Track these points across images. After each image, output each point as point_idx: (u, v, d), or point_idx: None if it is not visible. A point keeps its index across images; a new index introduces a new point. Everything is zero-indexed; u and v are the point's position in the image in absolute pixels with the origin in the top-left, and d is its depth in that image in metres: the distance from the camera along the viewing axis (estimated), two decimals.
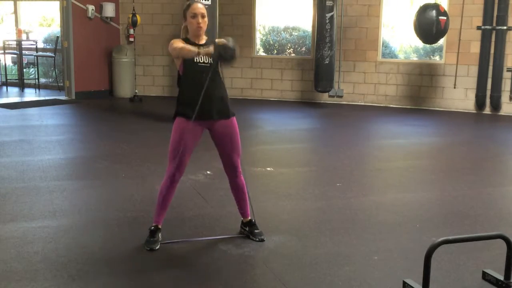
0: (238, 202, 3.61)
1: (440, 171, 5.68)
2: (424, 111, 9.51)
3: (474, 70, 9.34)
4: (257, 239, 3.52)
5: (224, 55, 3.07)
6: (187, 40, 3.37)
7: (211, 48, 3.12)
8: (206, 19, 3.38)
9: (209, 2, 7.29)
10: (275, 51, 11.21)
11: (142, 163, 5.43)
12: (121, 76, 10.49)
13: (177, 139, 3.33)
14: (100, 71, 10.50)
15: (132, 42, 10.46)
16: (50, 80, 11.98)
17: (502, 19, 8.95)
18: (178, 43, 3.29)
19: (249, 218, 3.62)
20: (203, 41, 3.41)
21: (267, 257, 3.31)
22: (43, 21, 13.55)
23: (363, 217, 4.11)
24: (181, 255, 3.32)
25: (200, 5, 3.36)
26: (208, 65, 3.32)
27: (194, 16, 3.33)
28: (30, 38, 11.29)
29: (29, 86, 11.50)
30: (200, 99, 3.22)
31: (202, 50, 3.19)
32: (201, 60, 3.33)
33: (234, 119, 3.45)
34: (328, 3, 9.09)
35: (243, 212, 3.62)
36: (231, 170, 3.49)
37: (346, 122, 8.53)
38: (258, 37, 10.93)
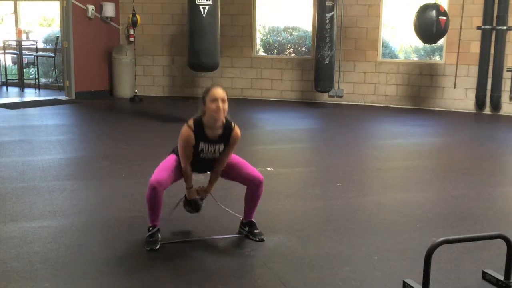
0: (248, 208, 3.59)
1: (440, 171, 5.69)
2: (424, 111, 9.51)
3: (474, 70, 9.34)
4: (257, 239, 3.52)
5: (189, 208, 3.58)
6: (199, 127, 3.31)
7: (193, 196, 3.49)
8: (226, 104, 3.28)
9: (210, 2, 7.29)
10: (275, 51, 11.21)
11: (142, 163, 5.43)
12: (121, 76, 10.49)
13: (171, 166, 3.40)
14: (100, 71, 10.50)
15: (132, 42, 10.46)
16: (50, 80, 11.99)
17: (502, 19, 8.95)
18: (184, 155, 3.35)
19: (250, 219, 3.61)
20: (218, 131, 3.34)
21: (267, 257, 3.31)
22: (43, 21, 13.56)
23: (363, 217, 4.11)
24: (181, 255, 3.32)
25: (220, 90, 3.29)
26: (212, 159, 3.44)
27: (214, 100, 3.24)
28: (30, 38, 11.29)
29: (29, 86, 11.50)
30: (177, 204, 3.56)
31: (190, 191, 3.46)
32: (206, 157, 3.40)
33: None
34: (328, 3, 9.09)
35: (247, 214, 3.61)
36: (254, 182, 3.47)
37: (346, 122, 8.53)
38: (258, 37, 10.93)
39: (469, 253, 3.35)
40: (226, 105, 3.29)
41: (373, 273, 3.13)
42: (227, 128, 3.37)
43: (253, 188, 3.50)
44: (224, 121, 3.34)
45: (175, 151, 3.49)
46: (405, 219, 4.07)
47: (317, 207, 4.32)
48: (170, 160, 3.45)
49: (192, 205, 3.54)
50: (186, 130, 3.32)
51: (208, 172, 3.59)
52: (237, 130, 3.41)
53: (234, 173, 3.51)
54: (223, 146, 3.40)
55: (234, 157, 3.54)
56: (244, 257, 3.32)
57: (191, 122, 3.34)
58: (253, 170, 3.50)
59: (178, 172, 3.43)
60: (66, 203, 4.24)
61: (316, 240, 3.59)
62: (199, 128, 3.32)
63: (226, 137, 3.38)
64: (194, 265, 3.19)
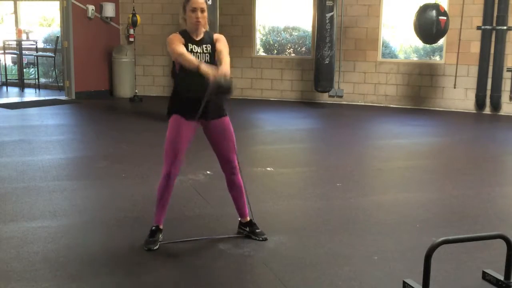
0: (235, 202, 3.60)
1: (440, 171, 5.69)
2: (424, 111, 9.51)
3: (474, 70, 9.34)
4: (260, 239, 3.52)
5: (221, 91, 3.08)
6: (184, 33, 3.37)
7: (211, 71, 3.08)
8: (206, 13, 3.36)
9: (209, 2, 7.30)
10: (275, 51, 11.21)
11: (142, 163, 5.43)
12: (121, 76, 10.49)
13: (173, 137, 3.35)
14: (100, 71, 10.50)
15: (132, 42, 10.46)
16: (50, 80, 11.98)
17: (502, 19, 8.95)
18: (177, 46, 3.27)
19: (248, 218, 3.61)
20: (201, 35, 3.40)
21: (267, 257, 3.31)
22: (43, 21, 13.55)
23: (363, 217, 4.11)
24: (181, 255, 3.32)
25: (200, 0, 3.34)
26: (203, 60, 3.34)
27: (194, 10, 3.31)
28: (30, 38, 11.29)
29: (29, 86, 11.50)
30: (203, 104, 3.22)
31: (203, 66, 3.11)
32: (198, 58, 3.33)
33: (227, 118, 3.46)
34: (328, 3, 9.09)
35: (241, 213, 3.61)
36: (227, 166, 3.48)
37: (346, 122, 8.53)
38: (258, 37, 10.93)
39: (469, 253, 3.35)
40: (205, 14, 3.35)
41: (373, 273, 3.13)
42: (208, 33, 3.43)
43: (228, 174, 3.50)
44: (205, 30, 3.41)
45: (169, 112, 3.42)
46: (405, 219, 4.07)
47: (317, 207, 4.32)
48: (170, 131, 3.37)
49: (219, 88, 3.03)
50: (172, 34, 3.38)
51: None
52: (217, 33, 3.50)
53: (214, 138, 3.43)
54: (210, 47, 3.39)
55: (231, 131, 3.45)
56: (244, 257, 3.33)
57: (176, 32, 3.41)
58: (231, 152, 3.46)
59: (184, 134, 3.33)
60: (66, 203, 4.24)
61: (316, 240, 3.59)
62: (184, 33, 3.38)
63: (209, 38, 3.41)
64: (194, 265, 3.19)
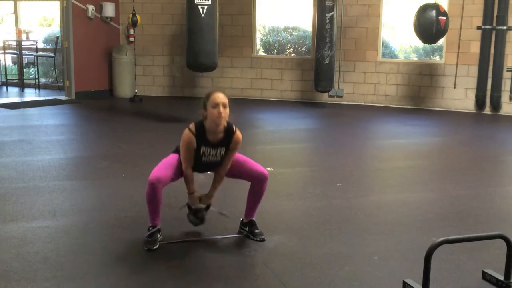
0: (250, 204, 3.59)
1: (440, 171, 5.68)
2: (424, 111, 9.51)
3: (474, 70, 9.34)
4: (258, 239, 3.52)
5: (191, 223, 3.53)
6: (201, 131, 3.31)
7: (195, 202, 3.46)
8: (227, 109, 3.28)
9: (209, 2, 7.29)
10: (275, 51, 11.21)
11: (142, 163, 5.42)
12: (121, 76, 10.49)
13: (170, 165, 3.40)
14: (100, 71, 10.50)
15: (132, 42, 10.46)
16: (50, 80, 11.98)
17: (502, 19, 8.95)
18: (185, 162, 3.35)
19: (250, 218, 3.61)
20: (219, 135, 3.34)
21: (267, 257, 3.31)
22: (43, 21, 13.56)
23: (363, 217, 4.11)
24: (180, 255, 3.32)
25: (221, 95, 3.28)
26: (214, 164, 3.44)
27: (215, 106, 3.23)
28: (30, 38, 11.29)
29: (29, 86, 11.50)
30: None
31: (192, 199, 3.45)
32: (208, 160, 3.40)
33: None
34: (328, 3, 9.09)
35: (249, 213, 3.61)
36: (260, 178, 3.47)
37: (346, 122, 8.53)
38: (258, 37, 10.93)
39: (469, 253, 3.35)
40: (227, 110, 3.28)
41: (373, 273, 3.13)
42: (229, 131, 3.38)
43: (258, 184, 3.49)
44: (226, 124, 3.35)
45: (176, 151, 3.49)
46: (405, 219, 4.07)
47: (317, 207, 4.32)
48: (170, 159, 3.45)
49: (196, 214, 3.47)
50: (187, 134, 3.32)
51: (209, 172, 3.59)
52: (238, 133, 3.41)
53: (238, 171, 3.50)
54: (224, 150, 3.40)
55: (239, 157, 3.53)
56: (244, 257, 3.32)
57: (192, 126, 3.34)
58: (258, 166, 3.50)
59: (179, 171, 3.43)
60: (66, 203, 4.24)
61: (316, 240, 3.59)
62: (200, 133, 3.32)
63: (227, 140, 3.38)
64: (194, 265, 3.19)
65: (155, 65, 10.86)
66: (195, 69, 7.80)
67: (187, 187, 3.45)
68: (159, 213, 3.42)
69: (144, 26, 10.49)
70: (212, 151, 3.38)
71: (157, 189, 3.28)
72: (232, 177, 3.58)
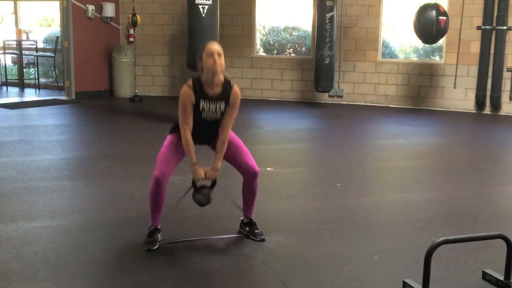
0: (245, 203, 3.59)
1: (440, 171, 5.69)
2: (424, 111, 9.51)
3: (474, 70, 9.34)
4: (258, 239, 3.52)
5: (197, 203, 3.40)
6: (199, 86, 3.29)
7: (199, 177, 3.32)
8: (222, 59, 3.27)
9: (209, 2, 7.29)
10: (275, 51, 11.21)
11: (142, 163, 5.43)
12: (121, 76, 10.49)
13: (169, 149, 3.38)
14: (100, 71, 10.50)
15: (132, 42, 10.46)
16: (50, 80, 11.98)
17: (502, 19, 8.95)
18: (184, 122, 3.28)
19: (250, 218, 3.61)
20: (218, 88, 3.32)
21: (267, 257, 3.31)
22: (43, 21, 13.56)
23: (363, 217, 4.11)
24: (181, 255, 3.32)
25: (216, 45, 3.28)
26: (215, 121, 3.36)
27: (210, 55, 3.24)
28: (30, 38, 11.29)
29: (29, 86, 11.50)
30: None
31: (194, 170, 3.30)
32: (208, 117, 3.34)
33: (231, 132, 3.47)
34: (328, 3, 9.09)
35: (246, 212, 3.61)
36: (250, 173, 3.46)
37: (346, 122, 8.53)
38: (258, 37, 10.93)
39: (469, 253, 3.35)
40: (222, 60, 3.28)
41: (373, 273, 3.13)
42: (226, 86, 3.35)
43: (248, 179, 3.48)
44: (223, 79, 3.34)
45: (173, 129, 3.45)
46: (405, 219, 4.07)
47: (317, 207, 4.32)
48: (167, 144, 3.40)
49: (202, 192, 3.34)
50: (185, 89, 3.31)
51: (211, 149, 3.53)
52: (236, 88, 3.39)
53: (232, 155, 3.44)
54: (223, 105, 3.34)
55: (236, 139, 3.48)
56: (244, 257, 3.32)
57: (189, 81, 3.34)
58: (251, 160, 3.48)
59: (179, 151, 3.37)
60: (66, 203, 4.24)
61: (316, 240, 3.59)
62: (198, 86, 3.31)
63: (225, 95, 3.34)
64: (194, 265, 3.19)
65: (155, 65, 10.86)
66: (196, 69, 7.78)
67: (188, 156, 3.32)
68: (161, 211, 3.42)
69: (144, 26, 10.49)
70: (212, 105, 3.32)
71: (162, 184, 3.29)
72: (225, 159, 3.49)
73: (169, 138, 3.44)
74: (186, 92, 3.29)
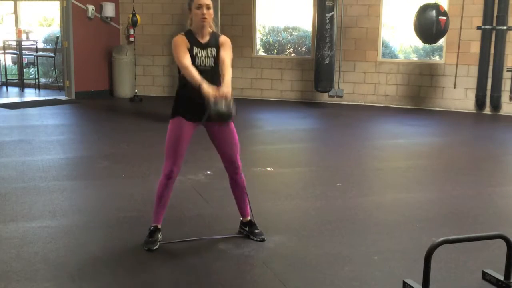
0: (237, 201, 3.61)
1: (440, 171, 5.68)
2: (424, 111, 9.51)
3: (474, 70, 9.34)
4: (257, 239, 3.52)
5: (221, 117, 3.10)
6: (190, 35, 3.33)
7: (212, 92, 3.06)
8: (211, 11, 3.32)
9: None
10: (275, 51, 11.21)
11: (142, 163, 5.43)
12: (121, 76, 10.49)
13: (175, 137, 3.35)
14: (100, 71, 10.50)
15: (132, 42, 10.46)
16: (50, 80, 11.98)
17: (502, 19, 8.95)
18: (182, 56, 3.24)
19: (249, 218, 3.62)
20: (207, 37, 3.36)
21: (267, 257, 3.31)
22: (43, 21, 13.56)
23: (363, 217, 4.11)
24: (181, 255, 3.32)
25: None
26: (209, 68, 3.33)
27: (199, 7, 3.27)
28: (30, 38, 11.29)
29: (29, 86, 11.49)
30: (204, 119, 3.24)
31: (205, 86, 3.08)
32: (202, 63, 3.32)
33: (231, 123, 3.42)
34: (328, 3, 9.09)
35: (242, 212, 3.62)
36: (231, 166, 3.49)
37: (346, 122, 8.53)
38: (258, 37, 10.93)
39: (469, 253, 3.35)
40: (211, 11, 3.31)
41: (373, 273, 3.13)
42: (215, 35, 3.41)
43: (230, 173, 3.51)
44: (211, 30, 3.38)
45: (173, 113, 3.40)
46: (405, 219, 4.07)
47: (317, 207, 4.32)
48: (171, 133, 3.37)
49: (222, 103, 3.02)
50: (177, 36, 3.34)
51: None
52: (224, 36, 3.46)
53: (220, 141, 3.44)
54: (215, 51, 3.36)
55: (233, 131, 3.45)
56: (244, 257, 3.33)
57: (181, 32, 3.37)
58: (235, 154, 3.47)
59: (184, 136, 3.35)
60: (66, 203, 4.24)
61: (316, 240, 3.59)
62: (189, 35, 3.34)
63: (215, 42, 3.38)
64: (194, 265, 3.19)
65: (155, 65, 10.85)
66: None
67: (193, 79, 3.15)
68: (165, 209, 3.43)
69: (144, 26, 10.49)
70: (203, 51, 3.33)
71: (172, 178, 3.34)
72: (212, 142, 3.47)
73: (171, 125, 3.41)
74: (180, 38, 3.33)
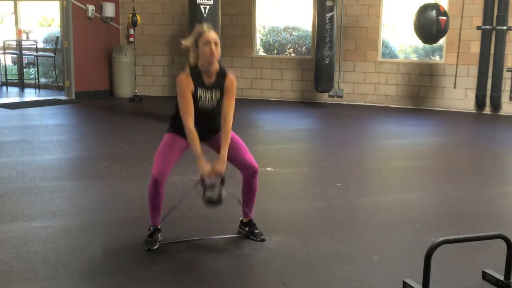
0: (246, 202, 3.58)
1: (440, 171, 5.68)
2: (424, 111, 9.51)
3: (474, 70, 9.34)
4: (258, 239, 3.52)
5: (210, 204, 3.25)
6: (195, 73, 3.28)
7: (206, 170, 3.19)
8: (219, 47, 3.27)
9: (211, 2, 7.29)
10: (275, 51, 11.21)
11: (142, 163, 5.43)
12: (121, 76, 10.49)
13: (168, 145, 3.36)
14: (100, 71, 10.50)
15: (132, 42, 10.46)
16: (50, 80, 11.98)
17: (502, 19, 8.95)
18: (186, 112, 3.23)
19: (249, 218, 3.61)
20: (213, 76, 3.31)
21: (267, 257, 3.31)
22: (43, 21, 13.56)
23: (363, 217, 4.11)
24: (181, 255, 3.32)
25: (213, 33, 3.27)
26: (211, 110, 3.35)
27: (207, 43, 3.22)
28: (30, 38, 11.29)
29: (29, 86, 11.50)
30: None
31: (200, 163, 3.19)
32: (205, 106, 3.33)
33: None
34: (328, 3, 9.09)
35: (246, 212, 3.60)
36: (249, 171, 3.44)
37: (346, 122, 8.53)
38: (258, 37, 10.93)
39: (469, 253, 3.35)
40: (219, 48, 3.26)
41: (373, 273, 3.13)
42: (221, 74, 3.35)
43: (248, 177, 3.47)
44: (218, 67, 3.33)
45: (169, 129, 3.43)
46: (405, 219, 4.07)
47: (317, 207, 4.32)
48: (165, 143, 3.38)
49: (213, 189, 3.18)
50: (183, 75, 3.28)
51: (211, 149, 3.51)
52: (231, 75, 3.38)
53: (231, 153, 3.40)
54: (219, 93, 3.33)
55: (235, 137, 3.46)
56: (244, 257, 3.33)
57: (187, 68, 3.32)
58: (250, 158, 3.47)
59: (177, 150, 3.36)
60: (66, 203, 4.24)
61: (316, 240, 3.59)
62: (195, 74, 3.30)
63: (220, 83, 3.33)
64: (194, 265, 3.19)
65: (155, 65, 10.86)
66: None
67: (192, 148, 3.24)
68: (160, 211, 3.42)
69: (144, 26, 10.49)
70: (207, 93, 3.31)
71: (160, 184, 3.27)
72: (228, 159, 3.45)
73: (166, 137, 3.43)
74: (185, 79, 3.27)
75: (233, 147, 3.41)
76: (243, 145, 3.48)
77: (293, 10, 10.92)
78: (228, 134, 3.34)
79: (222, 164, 3.26)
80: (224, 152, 3.30)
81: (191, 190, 3.45)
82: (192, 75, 3.28)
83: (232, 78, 3.37)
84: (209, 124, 3.40)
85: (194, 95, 3.28)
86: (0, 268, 3.07)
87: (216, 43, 3.24)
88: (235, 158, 3.44)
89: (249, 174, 3.46)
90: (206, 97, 3.31)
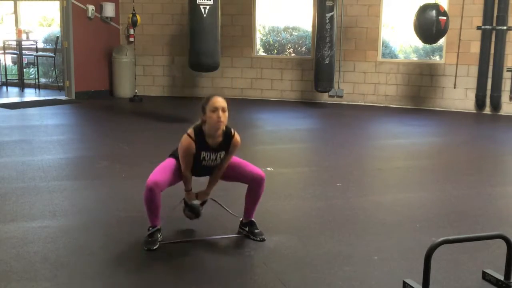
0: (249, 205, 3.58)
1: (440, 171, 5.68)
2: (424, 111, 9.51)
3: (474, 70, 9.34)
4: (258, 239, 3.52)
5: (191, 210, 3.54)
6: (200, 137, 3.31)
7: (190, 199, 3.50)
8: (226, 113, 3.28)
9: (211, 2, 7.29)
10: (275, 51, 11.21)
11: (142, 163, 5.42)
12: (121, 76, 10.49)
13: (169, 168, 3.40)
14: (100, 71, 10.50)
15: (132, 42, 10.46)
16: (50, 80, 11.99)
17: (502, 19, 8.95)
18: (185, 165, 3.35)
19: (250, 218, 3.61)
20: (219, 139, 3.34)
21: (267, 257, 3.31)
22: (43, 21, 13.56)
23: (363, 217, 4.11)
24: (181, 255, 3.32)
25: (220, 99, 3.27)
26: (214, 166, 3.45)
27: (215, 110, 3.22)
28: (30, 38, 11.29)
29: (29, 86, 11.50)
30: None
31: (188, 196, 3.49)
32: (208, 164, 3.41)
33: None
34: (328, 3, 9.09)
35: (248, 214, 3.61)
36: (256, 180, 3.47)
37: (346, 122, 8.53)
38: (258, 37, 10.93)
39: (469, 253, 3.35)
40: (226, 114, 3.28)
41: (373, 273, 3.13)
42: (227, 135, 3.38)
43: (255, 186, 3.49)
44: (224, 128, 3.35)
45: (174, 155, 3.48)
46: (405, 219, 4.07)
47: (317, 207, 4.32)
48: (168, 163, 3.44)
49: (192, 209, 3.51)
50: (186, 139, 3.31)
51: (208, 176, 3.59)
52: (237, 137, 3.42)
53: (235, 174, 3.51)
54: (224, 153, 3.41)
55: (236, 159, 3.53)
56: (244, 257, 3.32)
57: (191, 131, 3.33)
58: (254, 168, 3.50)
59: (177, 175, 3.43)
60: (66, 203, 4.24)
61: (316, 240, 3.59)
62: (199, 137, 3.32)
63: (226, 144, 3.39)
64: (194, 265, 3.19)
65: (155, 65, 10.86)
66: (198, 69, 7.81)
67: (185, 185, 3.48)
68: (159, 214, 3.41)
69: (144, 26, 10.49)
70: (212, 155, 3.38)
71: (155, 193, 3.27)
72: (229, 180, 3.59)
73: (170, 160, 3.46)
74: (188, 143, 3.31)
75: (234, 168, 3.50)
76: (244, 161, 3.55)
77: (293, 10, 10.92)
78: (217, 177, 3.53)
79: (205, 196, 3.56)
80: (210, 187, 3.55)
81: (177, 204, 3.61)
82: (196, 138, 3.31)
83: (237, 139, 3.42)
84: (211, 170, 3.51)
85: (197, 156, 3.36)
86: (0, 268, 3.07)
87: (223, 109, 3.25)
88: (240, 176, 3.52)
89: (256, 184, 3.48)
90: (210, 158, 3.39)
